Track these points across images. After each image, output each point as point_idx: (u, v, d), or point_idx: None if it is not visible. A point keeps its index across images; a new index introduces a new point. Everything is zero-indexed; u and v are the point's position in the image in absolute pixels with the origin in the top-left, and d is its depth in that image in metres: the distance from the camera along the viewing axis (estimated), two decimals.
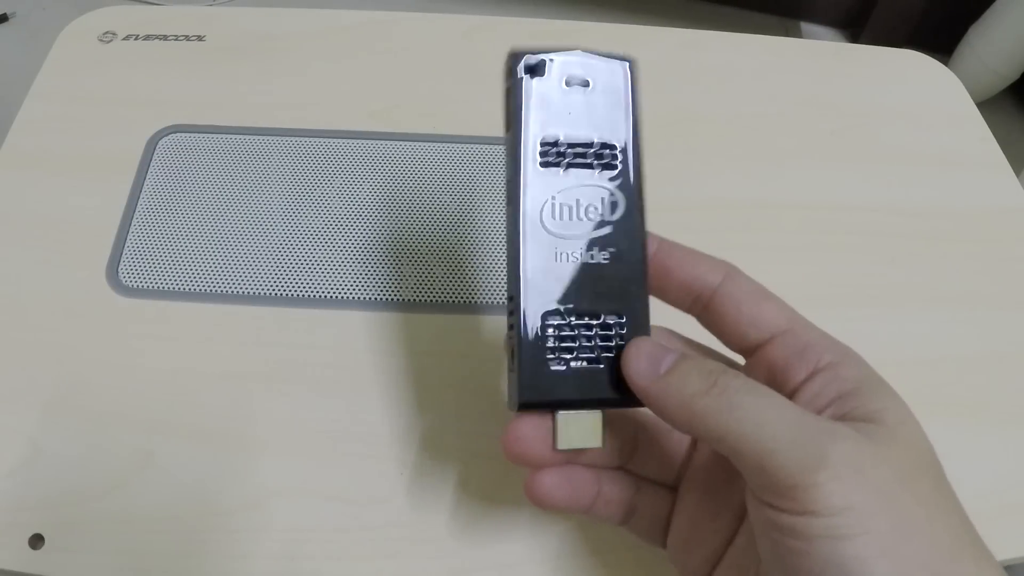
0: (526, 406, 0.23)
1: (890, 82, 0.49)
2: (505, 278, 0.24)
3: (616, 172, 0.23)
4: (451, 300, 0.37)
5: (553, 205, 0.23)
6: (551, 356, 0.23)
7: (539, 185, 0.23)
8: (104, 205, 0.39)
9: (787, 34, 1.35)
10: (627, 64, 0.24)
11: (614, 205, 0.23)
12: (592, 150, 0.23)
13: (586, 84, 0.23)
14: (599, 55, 0.24)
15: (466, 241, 0.38)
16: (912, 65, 0.50)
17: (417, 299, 0.37)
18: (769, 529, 0.20)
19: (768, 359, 0.23)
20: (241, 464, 0.32)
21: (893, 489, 0.19)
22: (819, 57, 0.50)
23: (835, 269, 0.40)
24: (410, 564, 0.30)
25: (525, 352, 0.23)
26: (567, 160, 0.23)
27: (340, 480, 0.32)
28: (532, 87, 0.23)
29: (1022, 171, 0.69)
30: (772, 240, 0.40)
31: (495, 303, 0.37)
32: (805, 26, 1.37)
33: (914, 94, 0.48)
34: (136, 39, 0.46)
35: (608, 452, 0.26)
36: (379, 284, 0.37)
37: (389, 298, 0.37)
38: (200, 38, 0.47)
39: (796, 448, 0.19)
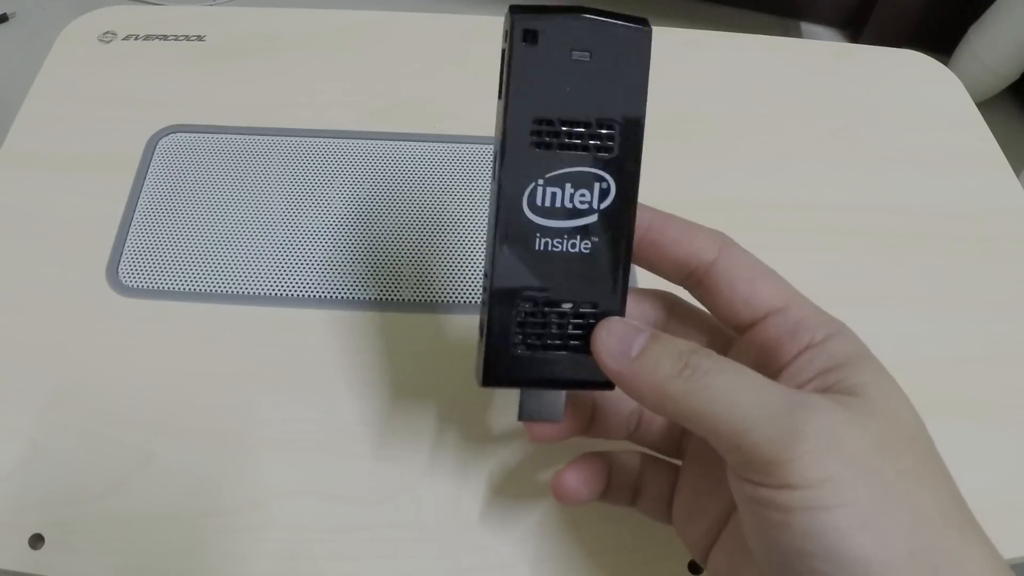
0: (489, 383, 0.23)
1: (890, 82, 0.49)
2: None
3: (611, 156, 0.22)
4: (451, 300, 0.37)
5: (539, 190, 0.22)
6: (519, 338, 0.23)
7: (526, 167, 0.22)
8: (104, 205, 0.39)
9: (787, 34, 1.35)
10: (640, 31, 0.22)
11: (604, 193, 0.22)
12: (588, 131, 0.22)
13: (590, 54, 0.21)
14: (609, 18, 0.21)
15: (466, 241, 0.38)
16: (912, 65, 0.50)
17: (417, 299, 0.37)
18: (750, 503, 0.20)
19: (760, 338, 0.23)
20: (241, 464, 0.32)
21: (872, 460, 0.19)
22: (819, 57, 0.50)
23: (835, 269, 0.40)
24: (410, 564, 0.30)
25: (492, 332, 0.23)
26: (560, 141, 0.22)
27: (340, 480, 0.32)
28: (529, 57, 0.21)
29: (1022, 171, 0.69)
30: (772, 240, 0.40)
31: None
32: (805, 26, 1.37)
33: (914, 94, 0.48)
34: (136, 39, 0.46)
35: (618, 421, 0.27)
36: (379, 284, 0.37)
37: (389, 298, 0.37)
38: (200, 38, 0.47)
39: (770, 424, 0.19)
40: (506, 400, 0.34)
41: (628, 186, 0.22)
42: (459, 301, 0.37)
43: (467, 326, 0.36)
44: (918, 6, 1.22)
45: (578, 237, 0.22)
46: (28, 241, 0.38)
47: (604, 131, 0.22)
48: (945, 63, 0.50)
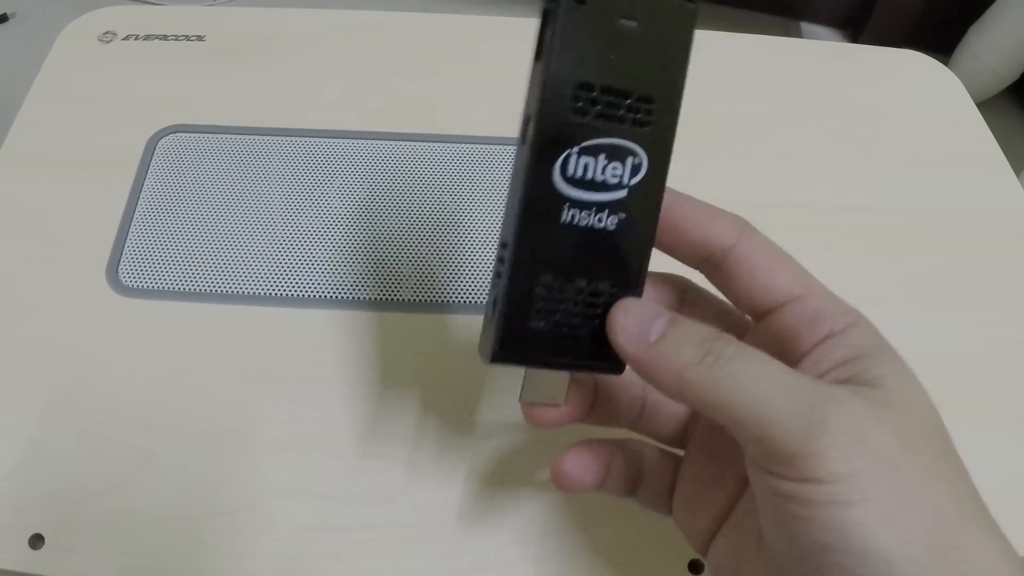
0: (499, 359, 0.22)
1: (890, 82, 0.49)
2: None
3: (647, 131, 0.21)
4: (451, 300, 0.37)
5: (572, 158, 0.21)
6: (534, 314, 0.21)
7: (561, 133, 0.20)
8: (104, 205, 0.39)
9: (787, 34, 1.35)
10: (688, 5, 0.21)
11: (636, 168, 0.21)
12: (627, 101, 0.21)
13: (637, 22, 0.21)
14: None
15: (466, 241, 0.38)
16: (912, 65, 0.50)
17: (417, 299, 0.37)
18: (771, 496, 0.20)
19: (778, 326, 0.23)
20: (241, 464, 0.32)
21: (895, 455, 0.19)
22: (819, 57, 0.50)
23: (835, 269, 0.39)
24: (410, 564, 0.30)
25: (507, 306, 0.21)
26: (597, 109, 0.21)
27: (340, 480, 0.32)
28: (577, 17, 0.20)
29: (1022, 171, 0.69)
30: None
31: None
32: (805, 26, 1.37)
33: (914, 94, 0.48)
34: (136, 39, 0.46)
35: (621, 408, 0.26)
36: (379, 284, 0.37)
37: (389, 298, 0.37)
38: (200, 38, 0.47)
39: (795, 416, 0.19)
40: (509, 401, 0.34)
41: (660, 164, 0.22)
42: (459, 301, 0.37)
43: (468, 326, 0.36)
44: (918, 6, 1.22)
45: (605, 212, 0.21)
46: (28, 241, 0.38)
47: (643, 103, 0.21)
48: (945, 63, 0.50)
